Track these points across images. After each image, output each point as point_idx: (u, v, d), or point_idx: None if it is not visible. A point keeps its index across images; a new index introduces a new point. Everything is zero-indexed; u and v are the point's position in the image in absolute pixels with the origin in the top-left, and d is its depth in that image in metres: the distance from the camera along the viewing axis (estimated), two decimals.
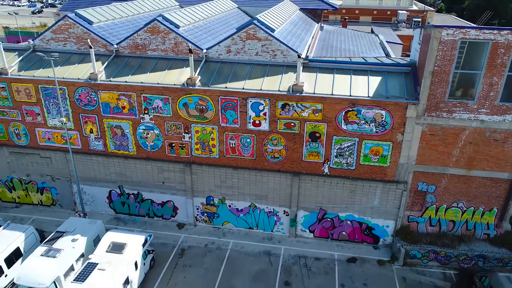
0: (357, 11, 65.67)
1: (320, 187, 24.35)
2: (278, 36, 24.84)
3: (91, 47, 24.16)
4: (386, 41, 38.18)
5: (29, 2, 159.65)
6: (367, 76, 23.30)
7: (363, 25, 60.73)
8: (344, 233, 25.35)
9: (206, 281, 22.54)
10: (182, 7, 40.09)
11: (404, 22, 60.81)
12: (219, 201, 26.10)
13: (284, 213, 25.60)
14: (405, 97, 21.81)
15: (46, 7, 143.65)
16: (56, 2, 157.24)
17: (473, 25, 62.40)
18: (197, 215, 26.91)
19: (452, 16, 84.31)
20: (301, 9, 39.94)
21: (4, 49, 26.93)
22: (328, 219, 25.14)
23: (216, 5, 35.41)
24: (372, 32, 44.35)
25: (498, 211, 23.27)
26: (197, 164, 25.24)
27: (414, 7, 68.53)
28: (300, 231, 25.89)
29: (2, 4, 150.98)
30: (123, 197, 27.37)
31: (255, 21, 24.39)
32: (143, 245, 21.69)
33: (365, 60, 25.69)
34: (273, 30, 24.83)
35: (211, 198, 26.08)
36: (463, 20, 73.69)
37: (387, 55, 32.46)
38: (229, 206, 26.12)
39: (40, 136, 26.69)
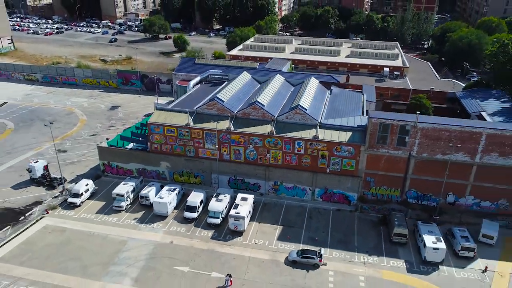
0: (357, 65, 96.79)
1: (325, 178, 56.27)
2: (309, 112, 56.88)
3: (229, 115, 56.87)
4: (367, 100, 69.41)
5: (99, 27, 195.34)
6: (346, 132, 55.09)
7: (361, 75, 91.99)
8: (335, 198, 57.27)
9: (277, 215, 54.86)
10: (254, 78, 72.63)
11: (388, 76, 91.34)
12: (280, 183, 58.33)
13: (309, 189, 57.64)
14: (361, 142, 53.54)
15: (116, 34, 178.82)
16: (122, 28, 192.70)
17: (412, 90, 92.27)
18: (269, 190, 59.25)
19: (429, 64, 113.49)
20: (320, 82, 71.81)
21: (180, 111, 60.08)
22: (329, 192, 57.08)
23: (275, 84, 67.67)
24: (361, 91, 75.23)
25: (400, 190, 54.84)
26: (271, 167, 57.58)
27: (398, 62, 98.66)
28: (316, 197, 57.93)
29: (80, 31, 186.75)
30: (235, 181, 59.98)
31: (299, 106, 56.51)
32: (253, 199, 54.27)
33: (347, 124, 57.24)
34: (306, 109, 56.94)
35: (277, 182, 58.35)
36: (433, 70, 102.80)
37: (363, 113, 63.77)
38: (284, 185, 58.34)
39: (200, 152, 59.57)
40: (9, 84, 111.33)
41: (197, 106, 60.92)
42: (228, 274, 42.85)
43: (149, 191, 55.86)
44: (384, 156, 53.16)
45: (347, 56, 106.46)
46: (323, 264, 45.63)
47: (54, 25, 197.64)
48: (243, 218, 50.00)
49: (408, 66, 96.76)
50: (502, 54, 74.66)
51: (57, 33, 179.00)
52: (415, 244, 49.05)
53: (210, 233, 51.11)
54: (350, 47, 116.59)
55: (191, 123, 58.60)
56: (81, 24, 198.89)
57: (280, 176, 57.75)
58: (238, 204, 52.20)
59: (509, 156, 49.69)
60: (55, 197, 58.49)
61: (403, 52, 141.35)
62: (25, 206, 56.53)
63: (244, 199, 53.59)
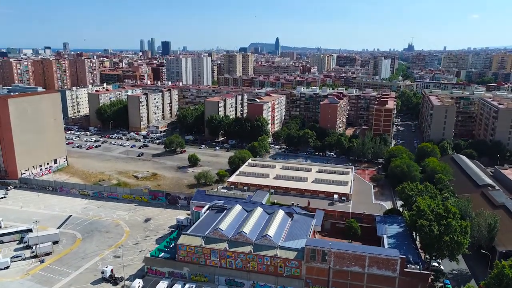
0: (317, 191, 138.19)
1: (283, 279, 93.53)
2: (273, 238, 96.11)
3: (226, 239, 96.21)
4: (315, 225, 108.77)
5: (127, 139, 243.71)
6: (294, 251, 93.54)
7: (319, 199, 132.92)
8: None
9: None
10: (244, 209, 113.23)
11: (337, 200, 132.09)
12: (256, 282, 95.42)
13: (274, 287, 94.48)
14: (302, 258, 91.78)
15: (142, 147, 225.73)
16: (147, 141, 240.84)
17: None
18: (249, 286, 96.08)
19: (371, 187, 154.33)
20: (285, 212, 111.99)
21: (196, 235, 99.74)
22: None
23: (256, 215, 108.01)
24: (314, 214, 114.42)
25: (326, 287, 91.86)
26: (250, 272, 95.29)
27: (346, 189, 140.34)
28: None
29: (113, 144, 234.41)
30: (229, 280, 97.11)
31: (267, 235, 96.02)
32: None
33: (296, 246, 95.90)
34: (271, 237, 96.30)
35: (254, 281, 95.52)
36: (372, 193, 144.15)
37: (310, 235, 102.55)
38: (259, 284, 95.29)
39: (208, 262, 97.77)
40: (69, 198, 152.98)
41: (206, 233, 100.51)
42: None
43: None
44: (315, 267, 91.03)
45: (312, 182, 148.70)
46: None
47: (92, 137, 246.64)
48: None
49: (351, 193, 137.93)
50: (404, 193, 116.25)
51: (96, 146, 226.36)
52: None
53: None
54: (317, 172, 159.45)
55: (203, 244, 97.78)
56: (113, 136, 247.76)
57: (256, 278, 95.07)
58: None
59: (382, 269, 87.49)
60: None
61: (365, 167, 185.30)
62: None
63: None
